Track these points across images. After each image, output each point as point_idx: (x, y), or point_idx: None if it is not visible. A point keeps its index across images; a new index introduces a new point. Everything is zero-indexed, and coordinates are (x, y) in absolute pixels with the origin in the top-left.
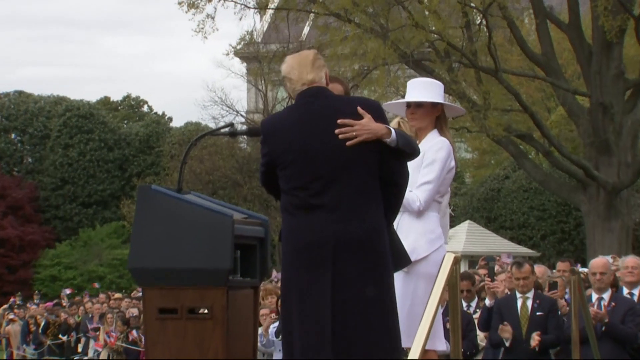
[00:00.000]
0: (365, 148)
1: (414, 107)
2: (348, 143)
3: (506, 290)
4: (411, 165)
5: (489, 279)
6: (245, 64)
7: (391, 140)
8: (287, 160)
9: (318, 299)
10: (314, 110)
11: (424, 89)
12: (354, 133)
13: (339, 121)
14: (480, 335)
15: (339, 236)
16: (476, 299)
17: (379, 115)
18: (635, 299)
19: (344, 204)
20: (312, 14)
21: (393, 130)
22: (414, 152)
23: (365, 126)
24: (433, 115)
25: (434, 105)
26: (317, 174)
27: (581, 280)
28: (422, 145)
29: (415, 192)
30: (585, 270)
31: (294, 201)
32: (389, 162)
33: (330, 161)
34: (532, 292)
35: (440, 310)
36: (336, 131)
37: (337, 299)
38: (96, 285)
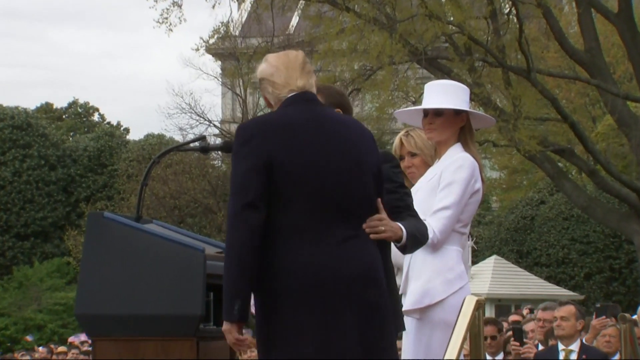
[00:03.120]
0: (373, 175)
1: (432, 116)
2: (372, 236)
3: (536, 342)
4: (425, 188)
5: (516, 342)
6: (219, 63)
7: (401, 244)
8: (297, 166)
9: (343, 343)
10: (321, 116)
11: (444, 94)
12: (382, 228)
13: (376, 217)
14: None
15: (354, 270)
16: (502, 353)
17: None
18: None
19: (359, 231)
20: (301, 1)
21: (405, 233)
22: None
23: (389, 225)
24: (456, 126)
25: (457, 113)
26: (332, 191)
27: (634, 329)
28: (441, 163)
29: (429, 220)
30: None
31: (299, 223)
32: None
33: (345, 178)
34: (578, 343)
35: None
36: (364, 226)
37: (363, 342)
38: (29, 338)
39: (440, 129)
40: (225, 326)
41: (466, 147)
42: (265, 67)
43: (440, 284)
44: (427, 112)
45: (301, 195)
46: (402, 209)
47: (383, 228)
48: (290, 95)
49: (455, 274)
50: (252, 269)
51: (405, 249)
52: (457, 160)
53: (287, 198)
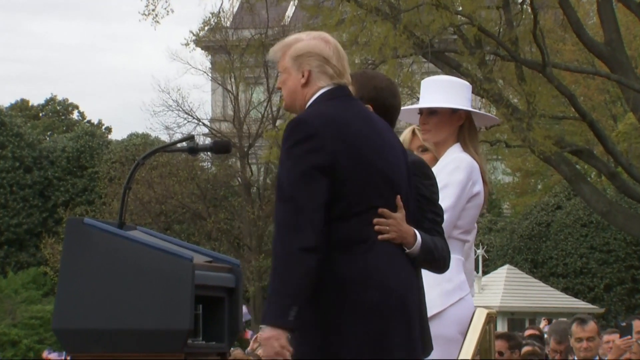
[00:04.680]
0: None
1: (426, 115)
2: (380, 237)
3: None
4: None
5: None
6: (209, 57)
7: (412, 250)
8: (357, 170)
9: (395, 355)
10: (367, 115)
11: (440, 91)
12: (387, 227)
13: (380, 211)
14: None
15: (409, 281)
16: None
17: None
18: None
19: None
20: None
21: (419, 240)
22: (437, 270)
23: (399, 225)
24: (453, 125)
25: (454, 111)
26: (387, 197)
27: None
28: (438, 165)
29: None
30: None
31: (359, 232)
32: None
33: (397, 182)
34: None
35: None
36: (375, 221)
37: (410, 353)
38: None
39: (435, 129)
40: (272, 332)
41: (465, 148)
42: (324, 46)
43: (437, 295)
44: (421, 111)
45: (362, 200)
46: (426, 226)
47: (388, 228)
48: (336, 87)
49: (454, 284)
50: (315, 275)
51: (415, 260)
52: (453, 161)
53: (348, 203)
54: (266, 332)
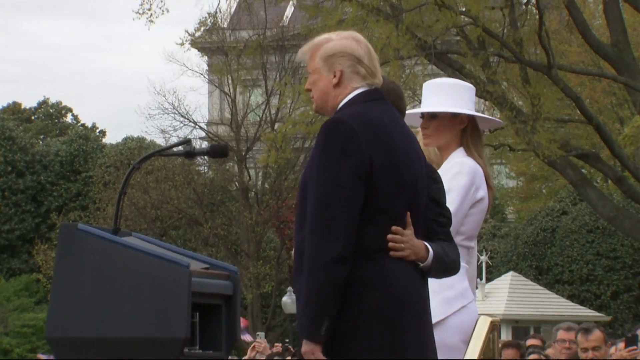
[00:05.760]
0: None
1: (427, 119)
2: (392, 253)
3: None
4: None
5: None
6: (206, 58)
7: (424, 265)
8: (388, 177)
9: None
10: (399, 119)
11: (441, 94)
12: (402, 245)
13: (393, 228)
14: None
15: (427, 290)
16: None
17: None
18: None
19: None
20: None
21: (432, 253)
22: (449, 274)
23: (412, 241)
24: (454, 129)
25: (455, 115)
26: (410, 204)
27: None
28: (440, 170)
29: None
30: None
31: (384, 239)
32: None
33: (419, 192)
34: None
35: None
36: (388, 237)
37: None
38: None
39: (435, 134)
40: (307, 347)
41: (469, 152)
42: (355, 45)
43: (438, 303)
44: (423, 115)
45: (392, 207)
46: (436, 231)
47: (403, 246)
48: (372, 88)
49: (456, 292)
50: (344, 285)
51: (429, 273)
52: (455, 165)
53: (376, 209)
54: (303, 345)
